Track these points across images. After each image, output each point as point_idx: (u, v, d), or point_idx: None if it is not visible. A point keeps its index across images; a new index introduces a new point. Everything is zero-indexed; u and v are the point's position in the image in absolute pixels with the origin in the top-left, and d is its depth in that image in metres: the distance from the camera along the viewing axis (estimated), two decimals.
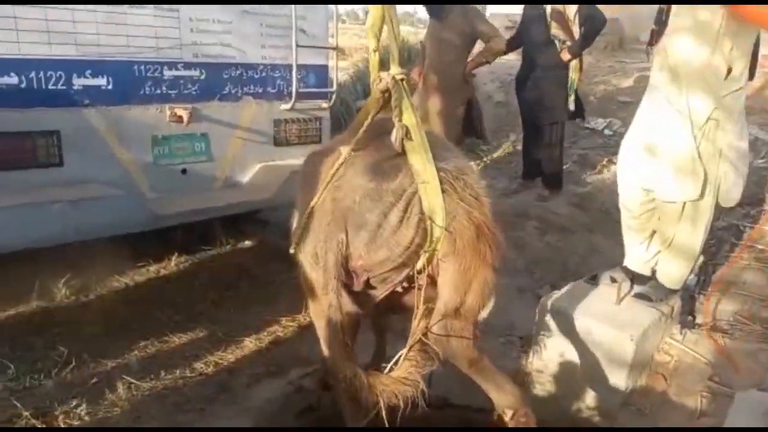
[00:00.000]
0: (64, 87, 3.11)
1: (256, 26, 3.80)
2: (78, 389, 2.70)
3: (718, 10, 2.52)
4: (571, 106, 4.87)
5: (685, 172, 2.72)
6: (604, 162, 5.78)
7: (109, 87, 3.26)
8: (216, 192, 3.83)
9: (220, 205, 3.77)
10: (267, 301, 3.72)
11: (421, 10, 4.93)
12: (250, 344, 3.24)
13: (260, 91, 3.93)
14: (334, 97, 4.25)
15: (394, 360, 1.93)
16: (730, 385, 2.59)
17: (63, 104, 3.12)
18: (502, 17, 10.73)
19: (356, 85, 8.29)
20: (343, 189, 1.84)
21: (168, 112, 3.52)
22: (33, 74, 3.00)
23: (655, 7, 2.89)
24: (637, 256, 3.11)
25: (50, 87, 3.07)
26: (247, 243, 4.52)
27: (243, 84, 3.84)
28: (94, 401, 2.62)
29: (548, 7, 4.71)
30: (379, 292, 1.97)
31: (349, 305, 1.91)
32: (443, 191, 1.76)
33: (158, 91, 3.46)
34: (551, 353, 2.96)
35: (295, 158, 3.85)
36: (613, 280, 3.10)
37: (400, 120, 1.77)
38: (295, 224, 2.08)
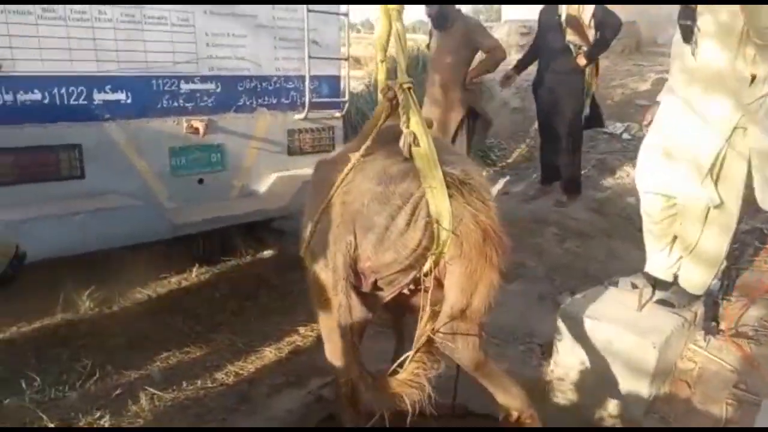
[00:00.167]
0: (85, 102, 3.20)
1: (270, 39, 3.87)
2: (102, 401, 2.73)
3: (738, 13, 2.48)
4: (586, 111, 4.84)
5: (708, 176, 2.69)
6: (623, 166, 5.73)
7: (128, 101, 3.35)
8: (232, 201, 3.91)
9: (237, 214, 3.83)
10: (286, 310, 3.74)
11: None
12: (269, 354, 3.26)
13: (274, 102, 4.00)
14: (346, 106, 4.32)
15: (398, 362, 1.96)
16: (757, 393, 2.54)
17: (84, 119, 3.20)
18: (517, 24, 10.73)
19: (372, 94, 8.33)
20: (352, 193, 1.89)
21: (185, 124, 3.60)
22: (55, 90, 3.10)
23: (674, 9, 2.85)
24: (658, 261, 3.07)
25: (72, 102, 3.16)
26: (266, 253, 4.55)
27: (257, 95, 3.91)
28: (118, 413, 2.65)
29: (564, 13, 4.70)
30: (387, 294, 2.00)
31: (357, 305, 1.94)
32: (450, 195, 1.80)
33: (175, 104, 3.55)
34: (572, 361, 2.94)
35: (308, 167, 3.82)
36: (634, 286, 3.07)
37: (408, 126, 1.83)
38: (304, 229, 2.12)
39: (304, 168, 3.99)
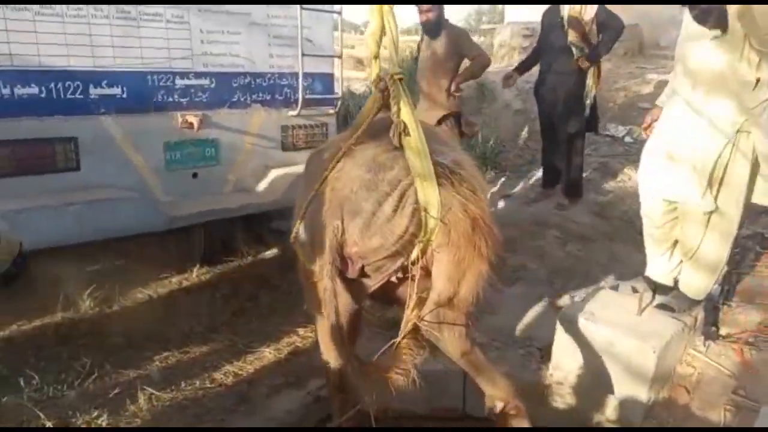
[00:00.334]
0: (82, 96, 3.25)
1: (264, 36, 3.92)
2: (100, 400, 2.73)
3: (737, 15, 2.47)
4: (586, 113, 4.84)
5: (711, 180, 2.68)
6: (625, 170, 5.72)
7: (124, 96, 3.40)
8: (226, 195, 3.95)
9: (230, 207, 3.88)
10: (287, 311, 3.74)
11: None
12: (269, 355, 3.26)
13: (268, 98, 4.04)
14: (339, 103, 4.39)
15: (385, 348, 1.97)
16: (756, 399, 2.53)
17: (80, 113, 3.25)
18: (520, 26, 10.72)
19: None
20: (341, 180, 1.92)
21: (179, 119, 3.64)
22: (52, 85, 3.14)
23: (676, 11, 2.84)
24: (659, 266, 3.07)
25: (68, 96, 3.21)
26: (268, 254, 4.56)
27: (251, 92, 3.96)
28: (116, 412, 2.66)
29: (565, 15, 4.70)
30: (374, 281, 2.02)
31: (343, 291, 1.98)
32: (439, 184, 1.83)
33: (170, 100, 3.59)
34: (571, 364, 2.93)
35: (302, 163, 3.91)
36: (635, 290, 3.06)
37: (398, 116, 1.87)
38: (295, 216, 2.15)
39: (298, 163, 4.03)
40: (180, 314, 3.66)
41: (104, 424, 2.53)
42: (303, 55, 3.85)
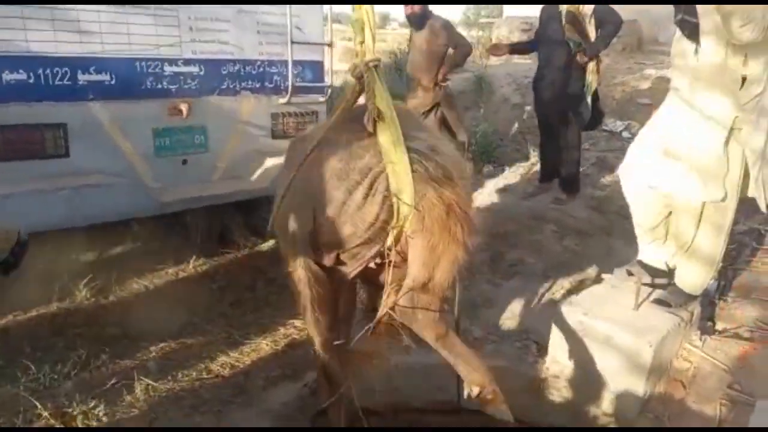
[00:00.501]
0: (70, 83, 3.23)
1: (253, 24, 3.90)
2: (97, 390, 2.73)
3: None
4: (588, 109, 4.83)
5: (707, 174, 2.69)
6: None
7: (113, 82, 3.38)
8: (215, 182, 3.94)
9: (220, 194, 3.89)
10: (283, 304, 3.73)
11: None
12: (266, 347, 3.26)
13: (258, 86, 4.03)
14: (330, 91, 4.36)
15: (361, 333, 2.02)
16: (751, 393, 2.55)
17: (69, 99, 3.24)
18: (519, 20, 10.71)
19: None
20: (315, 169, 1.95)
21: (168, 106, 3.62)
22: (41, 71, 3.13)
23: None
24: (651, 252, 3.09)
25: (57, 83, 3.19)
26: (265, 246, 4.55)
27: (241, 79, 3.94)
28: (113, 402, 2.65)
29: (563, 9, 4.68)
30: (351, 268, 2.05)
31: (322, 278, 2.00)
32: (414, 171, 1.84)
33: (159, 86, 3.58)
34: (568, 358, 2.94)
35: None
36: (630, 274, 3.08)
37: (373, 103, 1.90)
38: (275, 204, 2.17)
39: None
40: (176, 305, 3.65)
41: (101, 414, 2.53)
42: (292, 42, 3.84)
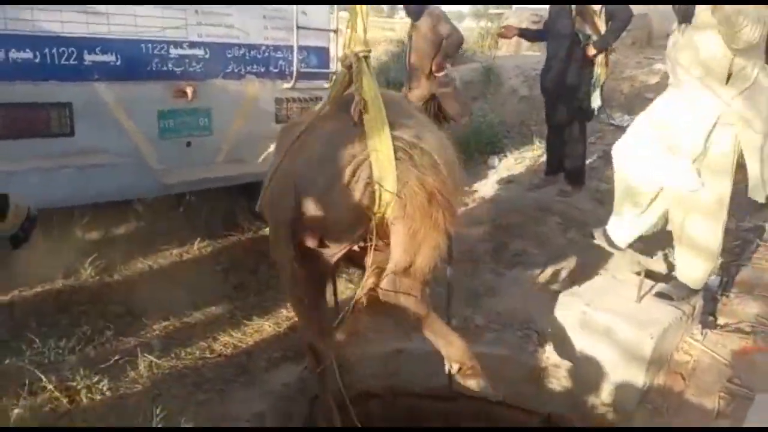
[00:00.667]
0: (76, 63, 3.24)
1: (259, 8, 3.90)
2: (100, 365, 2.75)
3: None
4: (597, 102, 4.81)
5: (695, 162, 2.75)
6: None
7: (118, 63, 3.38)
8: (219, 165, 3.94)
9: (222, 176, 3.89)
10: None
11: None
12: (268, 328, 3.28)
13: (263, 70, 4.03)
14: (334, 77, 4.33)
15: (341, 315, 2.10)
16: (750, 387, 2.56)
17: (75, 79, 3.24)
18: (529, 12, 10.65)
19: (380, 77, 8.29)
20: (301, 154, 2.02)
21: (173, 88, 3.62)
22: (47, 50, 3.13)
23: None
24: (618, 227, 3.15)
25: (63, 62, 3.19)
26: (268, 229, 4.56)
27: (246, 63, 3.94)
28: (116, 377, 2.68)
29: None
30: (335, 251, 2.12)
31: (306, 259, 2.07)
32: (397, 159, 1.89)
33: (164, 68, 3.58)
34: (568, 348, 2.96)
35: None
36: (591, 237, 3.32)
37: (360, 93, 1.96)
38: (264, 186, 2.23)
39: None
40: (180, 286, 3.66)
41: (105, 389, 2.55)
42: (298, 27, 3.83)
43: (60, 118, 3.23)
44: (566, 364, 2.98)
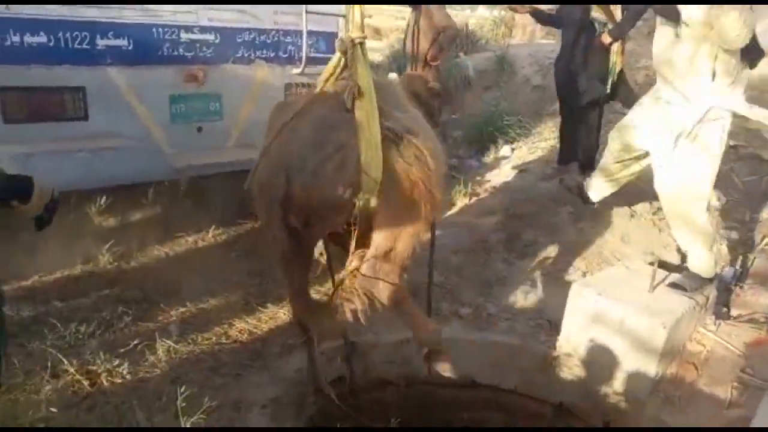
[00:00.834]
0: (89, 47, 3.28)
1: None
2: (120, 349, 2.80)
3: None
4: (607, 89, 4.79)
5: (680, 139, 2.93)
6: None
7: (130, 48, 3.42)
8: (229, 149, 3.99)
9: (233, 161, 3.90)
10: None
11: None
12: (282, 315, 3.32)
13: (272, 55, 4.05)
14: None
15: (326, 298, 2.20)
16: (763, 378, 2.57)
17: (88, 63, 3.29)
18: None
19: (392, 65, 8.27)
20: (292, 136, 2.07)
21: (184, 73, 3.66)
22: (60, 34, 3.17)
23: None
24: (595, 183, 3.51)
25: (76, 46, 3.23)
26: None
27: (255, 48, 3.96)
28: (135, 362, 2.73)
29: None
30: (319, 231, 2.23)
31: (291, 239, 2.14)
32: (386, 148, 1.93)
33: (175, 53, 3.61)
34: (581, 338, 2.98)
35: None
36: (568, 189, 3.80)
37: (354, 79, 1.99)
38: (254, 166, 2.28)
39: None
40: (196, 272, 3.71)
41: (125, 372, 2.61)
42: (307, 12, 3.84)
43: (74, 101, 3.30)
44: (578, 353, 3.00)
